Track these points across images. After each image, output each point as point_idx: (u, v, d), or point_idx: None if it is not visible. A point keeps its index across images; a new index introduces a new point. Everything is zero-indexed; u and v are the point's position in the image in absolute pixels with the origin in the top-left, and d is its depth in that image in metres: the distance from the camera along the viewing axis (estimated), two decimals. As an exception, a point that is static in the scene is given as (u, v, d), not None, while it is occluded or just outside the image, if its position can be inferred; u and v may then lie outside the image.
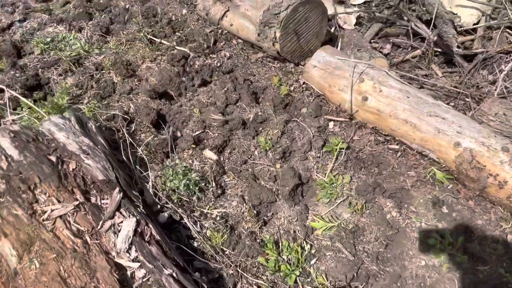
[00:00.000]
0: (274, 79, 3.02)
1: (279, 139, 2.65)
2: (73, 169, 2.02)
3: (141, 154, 2.40)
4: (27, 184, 1.88)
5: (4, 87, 2.78)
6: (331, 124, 2.78)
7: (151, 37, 3.26)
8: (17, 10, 3.77)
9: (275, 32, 2.95)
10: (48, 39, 3.34)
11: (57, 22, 3.56)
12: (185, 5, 3.71)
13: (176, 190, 2.26)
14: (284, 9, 2.90)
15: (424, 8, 3.64)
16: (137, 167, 2.33)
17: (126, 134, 2.45)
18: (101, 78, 3.01)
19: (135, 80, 3.02)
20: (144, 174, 2.31)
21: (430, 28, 3.37)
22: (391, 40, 3.72)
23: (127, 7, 3.68)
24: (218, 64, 3.16)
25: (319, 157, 2.59)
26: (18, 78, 2.97)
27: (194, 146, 2.59)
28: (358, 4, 4.15)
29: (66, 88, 2.76)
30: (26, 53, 3.30)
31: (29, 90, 2.91)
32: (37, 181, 1.90)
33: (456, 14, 3.53)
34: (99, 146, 2.18)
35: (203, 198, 2.33)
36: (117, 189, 1.97)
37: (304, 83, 3.03)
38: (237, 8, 3.24)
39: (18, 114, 2.59)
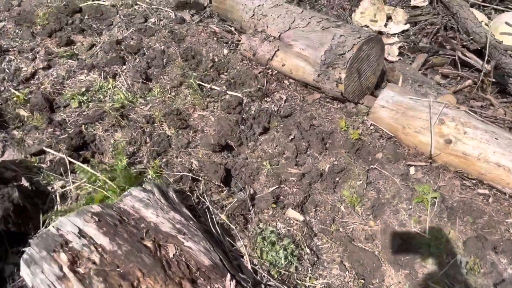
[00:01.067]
0: (340, 122, 2.88)
1: (364, 191, 2.49)
2: (174, 254, 1.79)
3: (223, 221, 2.19)
4: (129, 281, 1.64)
5: (48, 149, 2.52)
6: (412, 169, 2.65)
7: (200, 82, 3.07)
8: (38, 56, 3.51)
9: (339, 73, 2.82)
10: (83, 89, 3.10)
11: (88, 69, 3.32)
12: (224, 44, 3.55)
13: (275, 263, 2.05)
14: (349, 49, 2.79)
15: (470, 38, 3.62)
16: (226, 237, 2.11)
17: (205, 199, 2.23)
18: (153, 131, 2.79)
19: (190, 131, 2.81)
20: (236, 245, 2.09)
21: (485, 59, 3.33)
22: (439, 71, 3.67)
23: (162, 48, 3.48)
24: (276, 109, 3.01)
25: (411, 209, 2.44)
26: (59, 136, 2.70)
27: (274, 205, 2.39)
28: (397, 34, 4.11)
29: (122, 148, 2.52)
30: (60, 106, 3.04)
31: (75, 150, 2.65)
32: (140, 275, 1.66)
33: (501, 42, 3.53)
34: (191, 222, 1.96)
35: (300, 268, 2.13)
36: (228, 275, 1.75)
37: (371, 124, 2.90)
38: (289, 48, 3.11)
39: (74, 182, 2.34)
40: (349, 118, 3.01)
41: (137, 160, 2.64)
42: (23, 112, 2.97)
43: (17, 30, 3.79)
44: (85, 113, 2.98)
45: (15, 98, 3.06)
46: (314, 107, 3.10)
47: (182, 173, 2.47)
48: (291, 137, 2.81)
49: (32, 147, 2.72)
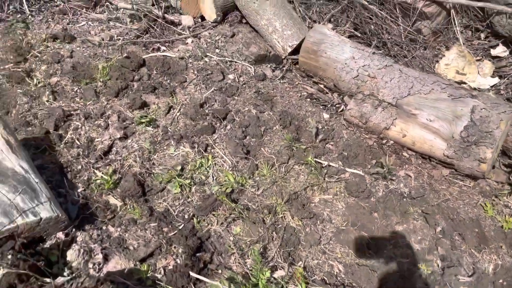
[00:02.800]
0: (484, 207, 2.60)
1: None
2: None
3: None
4: None
5: (162, 260, 2.14)
6: None
7: (316, 159, 2.77)
8: (110, 122, 3.12)
9: (484, 152, 2.57)
10: (178, 168, 2.73)
11: (176, 140, 2.98)
12: (321, 107, 3.27)
13: None
14: (496, 125, 2.55)
15: None
16: None
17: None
18: (275, 223, 2.44)
19: (317, 221, 2.48)
20: None
21: None
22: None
23: (255, 113, 3.16)
24: (405, 189, 2.71)
25: None
26: (167, 234, 2.33)
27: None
28: (489, 89, 3.95)
29: (257, 253, 2.16)
30: (153, 188, 2.65)
31: (193, 253, 2.27)
32: None
33: None
34: None
35: None
36: None
37: (518, 209, 2.65)
38: (412, 118, 2.86)
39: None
40: (487, 198, 2.75)
41: (270, 264, 2.27)
42: (113, 200, 2.57)
43: (75, 88, 3.41)
44: (189, 200, 2.59)
45: (98, 181, 2.65)
46: (444, 186, 2.83)
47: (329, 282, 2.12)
48: (439, 228, 2.51)
49: (139, 251, 2.32)
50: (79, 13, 4.38)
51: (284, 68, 3.76)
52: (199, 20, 4.43)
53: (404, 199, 2.75)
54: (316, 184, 2.75)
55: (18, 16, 4.17)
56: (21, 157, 2.38)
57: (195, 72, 3.64)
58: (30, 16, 4.22)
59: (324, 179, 2.78)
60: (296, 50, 3.78)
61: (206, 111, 3.28)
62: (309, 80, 3.70)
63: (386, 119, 3.02)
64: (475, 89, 3.94)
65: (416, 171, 2.94)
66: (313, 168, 2.82)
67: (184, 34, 4.21)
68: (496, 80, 4.13)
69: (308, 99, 3.45)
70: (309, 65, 3.58)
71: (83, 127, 3.06)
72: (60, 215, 2.21)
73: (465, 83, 3.98)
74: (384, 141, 3.07)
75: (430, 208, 2.65)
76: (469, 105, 2.77)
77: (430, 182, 2.88)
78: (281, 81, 3.63)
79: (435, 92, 2.93)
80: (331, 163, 2.86)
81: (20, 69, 3.45)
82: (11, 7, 4.20)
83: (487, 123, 2.67)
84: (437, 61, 4.23)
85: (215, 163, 2.85)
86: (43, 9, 4.34)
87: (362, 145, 3.02)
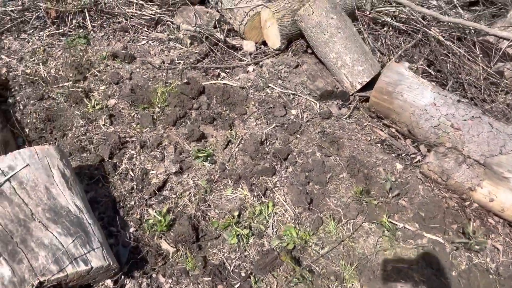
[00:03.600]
0: None
1: None
2: None
3: None
4: None
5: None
6: None
7: (391, 221, 2.48)
8: (166, 154, 2.97)
9: None
10: (236, 213, 2.51)
11: (234, 180, 2.78)
12: (394, 156, 2.97)
13: None
14: None
15: None
16: None
17: None
18: (342, 292, 2.16)
19: (391, 295, 2.17)
20: None
21: None
22: None
23: (319, 156, 2.91)
24: (493, 266, 2.35)
25: None
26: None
27: None
28: None
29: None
30: (206, 235, 2.48)
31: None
32: None
33: None
34: None
35: None
36: None
37: None
38: (504, 181, 2.50)
39: None
40: None
41: None
42: (165, 245, 2.40)
43: (132, 113, 3.31)
44: (246, 253, 2.37)
45: (151, 221, 2.48)
46: (540, 264, 2.44)
47: None
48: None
49: (191, 309, 2.11)
50: (140, 31, 4.34)
51: (352, 106, 3.50)
52: (261, 46, 4.27)
53: (490, 276, 2.40)
54: (389, 249, 2.45)
55: (80, 31, 4.18)
56: (76, 192, 2.26)
57: (256, 104, 3.46)
58: (92, 32, 4.22)
59: (399, 244, 2.48)
60: (364, 87, 3.52)
61: (267, 149, 3.08)
62: (379, 122, 3.43)
63: (471, 178, 2.69)
64: None
65: (504, 242, 2.59)
66: (385, 229, 2.52)
67: (245, 60, 4.06)
68: None
69: (379, 144, 3.17)
70: (381, 106, 3.31)
71: (138, 157, 2.94)
72: (111, 263, 2.06)
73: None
74: (467, 203, 2.73)
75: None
76: None
77: (522, 258, 2.52)
78: (348, 121, 3.37)
79: (534, 154, 2.58)
80: (406, 225, 2.56)
81: (79, 89, 3.40)
82: (74, 21, 4.21)
83: None
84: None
85: (275, 212, 2.62)
86: (105, 25, 4.33)
87: (441, 205, 2.70)
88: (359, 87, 3.51)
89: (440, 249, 2.48)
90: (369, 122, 3.38)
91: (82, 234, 2.07)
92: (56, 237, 2.02)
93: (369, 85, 3.56)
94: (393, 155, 3.09)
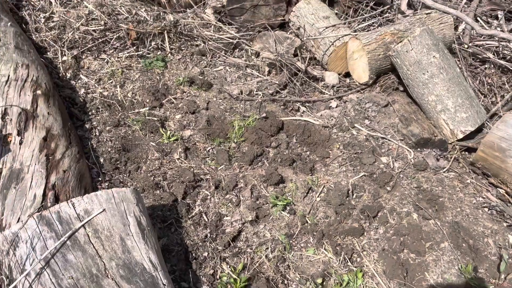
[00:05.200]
0: None
1: None
2: None
3: None
4: None
5: None
6: None
7: None
8: (242, 198, 2.73)
9: None
10: (319, 281, 2.20)
11: (316, 238, 2.51)
12: (505, 224, 2.52)
13: None
14: None
15: None
16: None
17: None
18: None
19: None
20: None
21: None
22: None
23: (415, 217, 2.54)
24: None
25: None
26: None
27: None
28: None
29: None
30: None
31: None
32: None
33: None
34: None
35: None
36: None
37: None
38: None
39: None
40: None
41: None
42: (240, 310, 2.12)
43: (208, 147, 3.13)
44: (332, 334, 2.04)
45: (225, 278, 2.23)
46: None
47: None
48: None
49: None
50: (217, 55, 4.21)
51: (451, 158, 3.08)
52: (346, 79, 3.97)
53: None
54: None
55: (159, 53, 4.13)
56: (151, 245, 2.08)
57: (340, 146, 3.16)
58: (169, 54, 4.15)
59: None
60: (464, 136, 3.10)
61: (353, 202, 2.76)
62: (484, 179, 2.98)
63: None
64: None
65: None
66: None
67: (327, 93, 3.79)
68: None
69: (486, 209, 2.73)
70: (489, 163, 2.87)
71: (212, 199, 2.75)
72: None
73: None
74: None
75: None
76: None
77: None
78: (447, 175, 2.96)
79: None
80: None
81: (155, 117, 3.29)
82: (153, 43, 4.17)
83: None
84: None
85: (366, 285, 2.28)
86: (183, 48, 4.26)
87: None
88: (461, 136, 3.10)
89: None
90: (472, 179, 2.95)
91: (156, 298, 1.87)
92: (129, 301, 1.83)
93: (470, 134, 3.14)
94: (505, 224, 2.64)
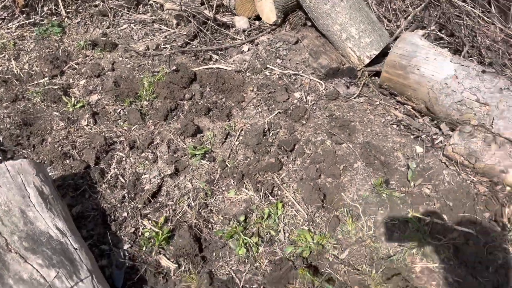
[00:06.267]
0: None
1: None
2: None
3: None
4: None
5: None
6: None
7: (416, 215, 2.23)
8: (159, 154, 2.70)
9: None
10: (242, 219, 2.26)
11: (237, 180, 2.54)
12: (412, 137, 2.69)
13: None
14: None
15: None
16: None
17: None
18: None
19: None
20: None
21: None
22: None
23: (329, 144, 2.63)
24: (534, 257, 2.12)
25: None
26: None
27: None
28: None
29: None
30: (210, 245, 2.24)
31: None
32: None
33: None
34: None
35: None
36: None
37: None
38: (541, 160, 2.22)
39: None
40: None
41: None
42: (165, 262, 2.16)
43: (118, 109, 3.01)
44: (257, 264, 2.12)
45: (147, 233, 2.23)
46: None
47: None
48: None
49: (199, 336, 1.88)
50: (120, 14, 3.97)
51: (361, 84, 3.18)
52: (255, 22, 3.91)
53: (532, 271, 2.16)
54: (416, 247, 2.21)
55: (54, 19, 3.82)
56: (57, 212, 1.99)
57: (255, 89, 3.16)
58: (66, 19, 3.86)
59: (426, 240, 2.23)
60: (374, 60, 3.20)
61: (270, 140, 2.79)
62: (392, 99, 3.12)
63: (503, 160, 2.42)
64: None
65: (545, 231, 2.33)
66: (410, 224, 2.27)
67: (239, 39, 3.72)
68: None
69: (395, 126, 2.88)
70: (394, 82, 3.00)
71: (128, 160, 2.67)
72: (104, 294, 1.81)
73: None
74: (499, 187, 2.47)
75: None
76: None
77: None
78: (358, 100, 3.07)
79: None
80: (435, 219, 2.30)
81: (56, 86, 3.08)
82: (45, 8, 3.84)
83: None
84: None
85: (286, 213, 2.36)
86: (80, 10, 3.96)
87: (470, 191, 2.44)
88: (367, 61, 3.19)
89: (474, 242, 2.23)
90: (381, 100, 3.08)
91: (67, 263, 1.81)
92: (37, 270, 1.77)
93: (377, 58, 3.24)
94: (412, 136, 2.80)
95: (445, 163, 2.61)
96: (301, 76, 3.26)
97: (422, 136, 2.77)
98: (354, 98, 3.10)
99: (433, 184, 2.53)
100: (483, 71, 2.66)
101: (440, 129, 2.81)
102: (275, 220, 2.35)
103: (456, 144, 2.55)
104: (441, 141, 2.73)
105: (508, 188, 2.47)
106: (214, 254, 2.27)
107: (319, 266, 2.18)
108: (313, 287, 2.05)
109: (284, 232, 2.31)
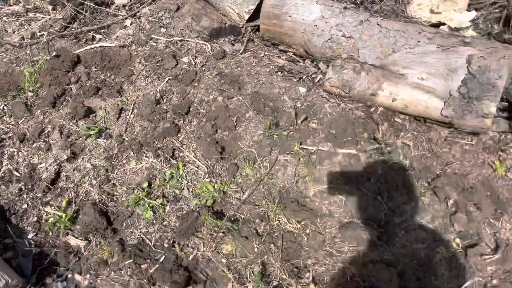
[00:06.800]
0: (494, 166, 2.42)
1: None
2: None
3: None
4: None
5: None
6: None
7: (304, 147, 2.46)
8: (52, 142, 2.67)
9: (488, 107, 2.34)
10: (145, 185, 2.37)
11: (135, 150, 2.59)
12: (295, 80, 2.93)
13: None
14: (498, 75, 2.31)
15: None
16: None
17: None
18: (271, 232, 2.17)
19: (317, 219, 2.24)
20: None
21: None
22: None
23: (221, 100, 2.79)
24: (407, 162, 2.48)
25: None
26: (148, 272, 2.02)
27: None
28: (468, 26, 3.69)
29: (257, 276, 1.90)
30: (118, 216, 2.32)
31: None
32: None
33: None
34: None
35: None
36: None
37: (527, 161, 2.48)
38: (401, 78, 2.58)
39: None
40: (494, 155, 2.56)
41: (275, 283, 2.00)
42: (74, 241, 2.20)
43: (1, 105, 2.88)
44: (165, 223, 2.25)
45: (51, 219, 2.25)
46: (446, 148, 2.63)
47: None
48: (451, 202, 2.30)
49: (119, 299, 1.99)
50: (-13, 8, 3.70)
51: (245, 40, 3.32)
52: (135, -5, 3.86)
53: (407, 173, 2.51)
54: (308, 175, 2.45)
55: None
56: None
57: (142, 61, 3.17)
58: None
59: (316, 167, 2.48)
60: (254, 15, 3.34)
61: (164, 107, 2.86)
62: (275, 49, 3.31)
63: (371, 84, 2.72)
64: (456, 29, 3.66)
65: (413, 137, 2.69)
66: (300, 157, 2.50)
67: (120, 14, 3.67)
68: (473, 13, 3.86)
69: (279, 73, 3.07)
70: (272, 32, 3.17)
71: (20, 153, 2.61)
72: (9, 281, 1.82)
73: (443, 23, 3.68)
74: (372, 109, 2.78)
75: (438, 180, 2.42)
76: (463, 55, 2.50)
77: (430, 147, 2.65)
78: (244, 55, 3.21)
79: (422, 44, 2.64)
80: (320, 147, 2.55)
81: None
82: None
83: (488, 73, 2.41)
84: (409, 2, 3.89)
85: (188, 171, 2.48)
86: None
87: (349, 118, 2.72)
88: (247, 17, 3.32)
89: (356, 161, 2.52)
90: (265, 52, 3.25)
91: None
92: None
93: (258, 12, 3.38)
94: (295, 80, 3.02)
95: (326, 98, 2.86)
96: (187, 41, 3.32)
97: (304, 77, 2.99)
98: (240, 54, 3.24)
99: (317, 118, 2.77)
100: (345, 8, 2.91)
101: (319, 68, 3.04)
102: (178, 179, 2.46)
103: (331, 78, 2.80)
104: (320, 79, 2.97)
105: (380, 108, 2.78)
106: (124, 224, 2.34)
107: (224, 211, 2.34)
108: (218, 230, 2.21)
109: (187, 188, 2.43)
